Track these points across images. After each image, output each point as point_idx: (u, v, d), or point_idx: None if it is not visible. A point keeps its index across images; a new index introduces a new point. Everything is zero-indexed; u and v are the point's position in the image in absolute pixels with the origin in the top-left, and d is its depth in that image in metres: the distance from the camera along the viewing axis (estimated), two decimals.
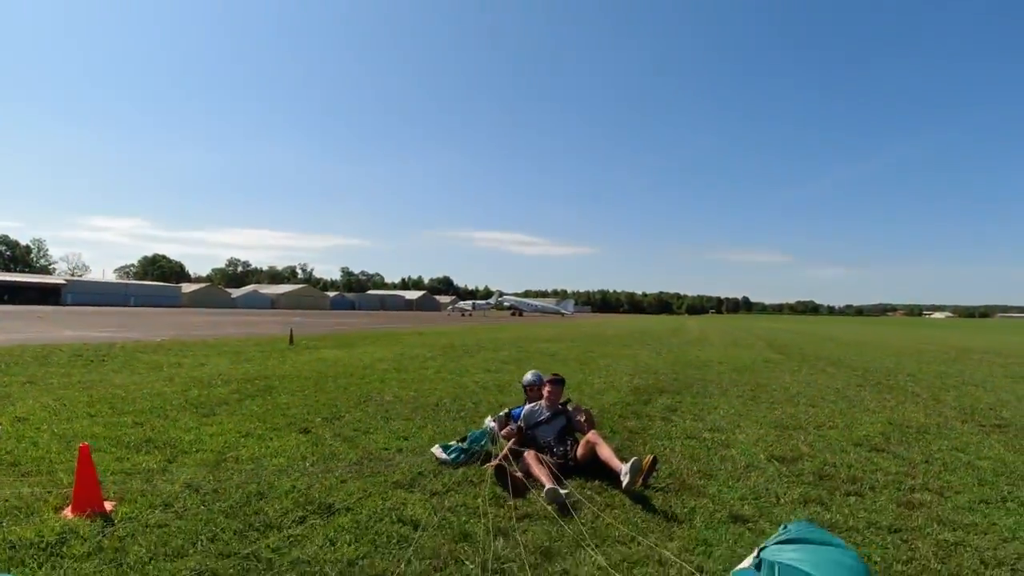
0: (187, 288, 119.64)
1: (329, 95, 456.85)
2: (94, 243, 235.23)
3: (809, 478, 5.87)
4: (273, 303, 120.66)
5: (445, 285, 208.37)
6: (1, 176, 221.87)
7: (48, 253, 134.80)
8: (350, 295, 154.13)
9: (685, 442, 7.28)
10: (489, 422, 6.83)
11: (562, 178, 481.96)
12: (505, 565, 3.96)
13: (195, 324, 34.67)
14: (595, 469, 5.70)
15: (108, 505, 4.78)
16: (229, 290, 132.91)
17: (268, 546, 4.16)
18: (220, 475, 5.59)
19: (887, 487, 5.66)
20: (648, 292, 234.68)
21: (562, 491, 4.97)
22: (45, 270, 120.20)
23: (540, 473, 5.35)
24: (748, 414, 9.35)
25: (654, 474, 5.63)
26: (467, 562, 4.00)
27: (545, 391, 6.40)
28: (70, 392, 9.21)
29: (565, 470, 5.74)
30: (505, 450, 5.98)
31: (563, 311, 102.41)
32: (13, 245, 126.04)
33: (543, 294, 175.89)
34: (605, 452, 5.57)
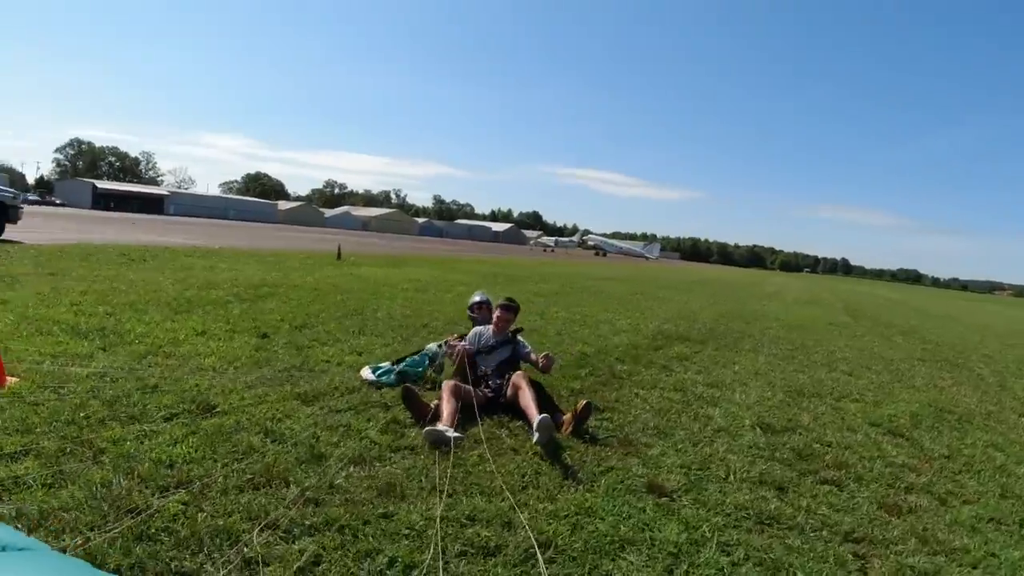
0: (283, 206, 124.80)
1: (443, 21, 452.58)
2: (202, 159, 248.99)
3: (786, 454, 4.86)
4: (364, 225, 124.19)
5: (533, 220, 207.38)
6: (119, 92, 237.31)
7: (156, 166, 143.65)
8: (439, 223, 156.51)
9: (666, 394, 6.38)
10: (432, 347, 6.15)
11: (664, 118, 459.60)
12: (324, 496, 3.36)
13: (270, 237, 35.98)
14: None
15: (11, 380, 4.78)
16: (323, 210, 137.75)
17: (110, 437, 3.89)
18: (135, 366, 5.36)
19: (878, 481, 4.55)
20: (741, 244, 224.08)
21: (450, 433, 4.26)
22: (153, 182, 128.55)
23: (444, 407, 4.65)
24: (766, 374, 8.22)
25: (587, 423, 4.85)
26: (291, 484, 3.44)
27: (495, 315, 5.63)
28: (74, 284, 9.31)
29: (494, 407, 5.04)
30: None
31: (647, 255, 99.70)
32: (123, 156, 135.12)
33: (631, 237, 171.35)
34: (525, 398, 4.77)
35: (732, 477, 4.22)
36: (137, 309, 7.73)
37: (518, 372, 5.02)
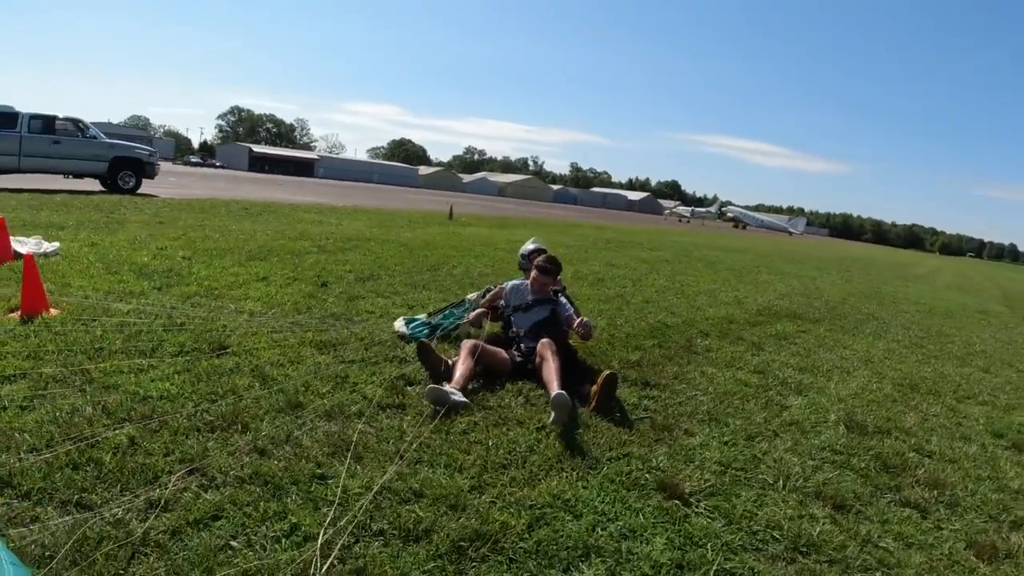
0: (423, 171, 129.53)
1: None
2: (352, 126, 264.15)
3: (866, 462, 3.83)
4: (499, 191, 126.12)
5: (671, 189, 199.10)
6: (279, 63, 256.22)
7: (310, 132, 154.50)
8: (573, 190, 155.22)
9: (740, 375, 5.44)
10: (472, 296, 5.62)
11: (816, 84, 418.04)
12: (273, 447, 3.03)
13: (399, 198, 37.22)
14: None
15: (53, 312, 4.97)
16: (462, 175, 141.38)
17: (107, 368, 3.88)
18: (176, 306, 5.44)
19: (978, 510, 3.42)
20: (898, 223, 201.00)
21: (454, 397, 3.75)
22: (307, 147, 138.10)
23: (459, 367, 4.13)
24: (880, 362, 6.89)
25: (615, 398, 4.15)
26: (250, 431, 3.14)
27: (531, 275, 4.98)
28: (173, 231, 9.82)
29: (522, 372, 4.45)
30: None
31: (791, 229, 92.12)
32: (279, 123, 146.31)
33: (776, 210, 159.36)
34: (548, 370, 4.11)
35: (781, 484, 3.34)
36: (214, 255, 7.94)
37: (544, 340, 4.34)
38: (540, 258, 5.01)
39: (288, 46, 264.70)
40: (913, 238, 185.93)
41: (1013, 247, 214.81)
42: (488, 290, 5.40)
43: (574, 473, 3.13)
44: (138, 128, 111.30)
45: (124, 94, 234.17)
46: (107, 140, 17.03)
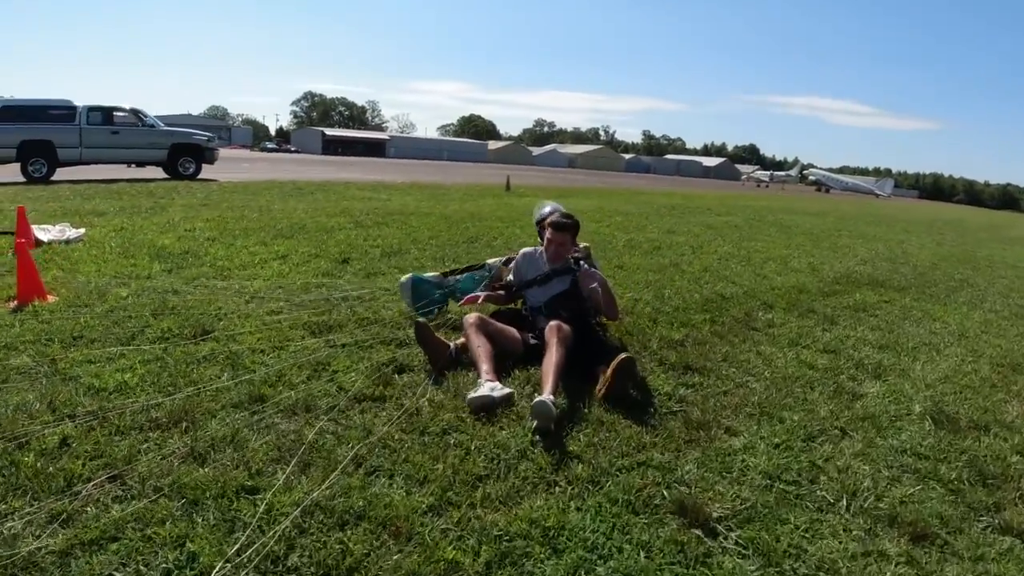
0: (493, 145, 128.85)
1: None
2: (422, 105, 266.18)
3: (957, 470, 2.99)
4: (570, 162, 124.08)
5: (749, 154, 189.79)
6: (349, 47, 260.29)
7: (381, 113, 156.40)
8: (646, 158, 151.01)
9: (806, 356, 4.61)
10: (494, 262, 4.96)
11: (905, 35, 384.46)
12: (211, 452, 2.61)
13: (462, 173, 36.82)
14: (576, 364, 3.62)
15: (50, 298, 4.78)
16: (532, 148, 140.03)
17: (77, 358, 3.58)
18: (180, 288, 5.18)
19: None
20: (991, 182, 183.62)
21: (497, 392, 3.17)
22: (378, 128, 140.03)
23: (480, 354, 3.48)
24: (977, 337, 5.81)
25: (630, 386, 3.47)
26: (197, 431, 2.68)
27: (547, 236, 4.16)
28: (211, 212, 9.67)
29: (537, 357, 3.81)
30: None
31: (878, 192, 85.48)
32: (351, 105, 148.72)
33: (862, 172, 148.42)
34: (546, 363, 3.36)
35: (844, 505, 2.58)
36: (241, 235, 7.69)
37: (553, 323, 3.61)
38: (555, 216, 4.27)
39: (357, 30, 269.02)
40: (1008, 198, 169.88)
41: None
42: (511, 259, 4.76)
43: (569, 489, 2.49)
44: (216, 118, 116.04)
45: (203, 86, 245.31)
46: (166, 128, 17.35)
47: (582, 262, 4.14)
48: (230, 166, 24.69)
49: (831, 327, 5.61)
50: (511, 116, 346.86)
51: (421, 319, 3.86)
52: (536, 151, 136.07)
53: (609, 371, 3.34)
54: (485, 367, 3.35)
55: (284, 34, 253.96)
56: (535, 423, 2.94)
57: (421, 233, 8.58)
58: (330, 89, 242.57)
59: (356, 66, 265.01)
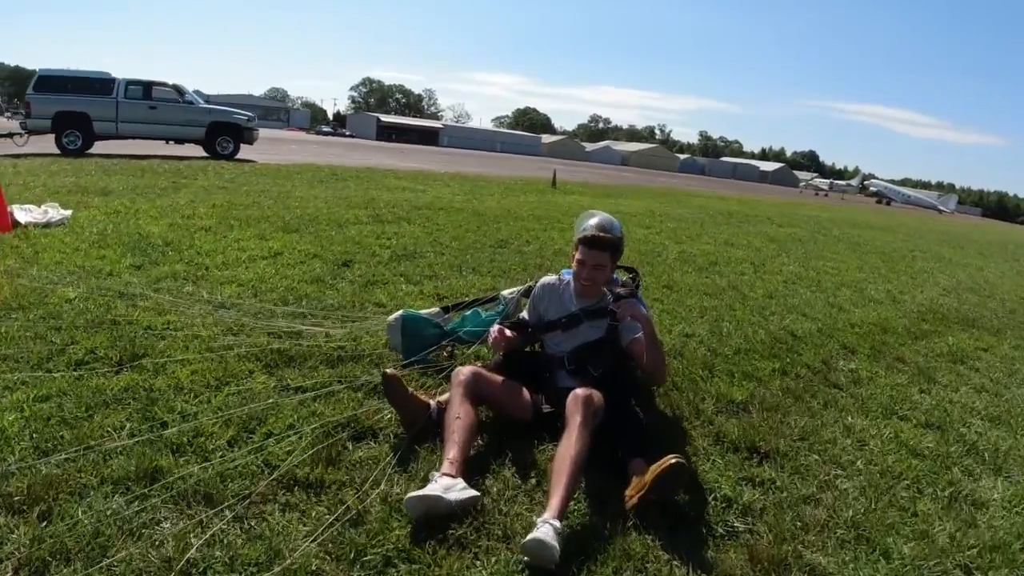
0: (547, 139, 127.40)
1: None
2: (478, 95, 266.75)
3: None
4: (623, 160, 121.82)
5: (809, 160, 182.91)
6: (409, 35, 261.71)
7: (437, 102, 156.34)
8: (701, 160, 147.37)
9: (906, 432, 3.53)
10: (510, 294, 3.96)
11: (973, 46, 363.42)
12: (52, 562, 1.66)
13: (510, 166, 35.84)
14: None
15: None
16: (585, 144, 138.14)
17: None
18: (141, 291, 4.42)
19: None
20: None
21: (453, 495, 2.16)
22: (434, 116, 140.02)
23: (452, 430, 2.45)
24: None
25: (674, 492, 2.44)
26: (44, 522, 1.80)
27: (575, 258, 2.97)
28: (222, 197, 8.96)
29: (545, 424, 2.82)
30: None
31: (941, 207, 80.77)
32: (408, 93, 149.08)
33: (925, 185, 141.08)
34: (559, 456, 2.33)
35: None
36: (241, 225, 6.89)
37: (578, 393, 2.53)
38: (590, 232, 2.95)
39: (418, 19, 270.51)
40: None
41: None
42: (535, 282, 3.78)
43: None
44: (276, 100, 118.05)
45: (266, 68, 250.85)
46: (205, 105, 16.95)
47: (625, 301, 2.93)
48: (277, 147, 24.37)
49: (928, 385, 4.47)
50: (566, 111, 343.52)
51: (391, 371, 2.84)
52: (590, 147, 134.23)
53: (649, 476, 2.32)
54: (452, 453, 2.34)
55: (346, 20, 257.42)
56: (526, 558, 1.96)
57: (444, 233, 7.64)
58: (388, 76, 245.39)
59: (415, 55, 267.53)
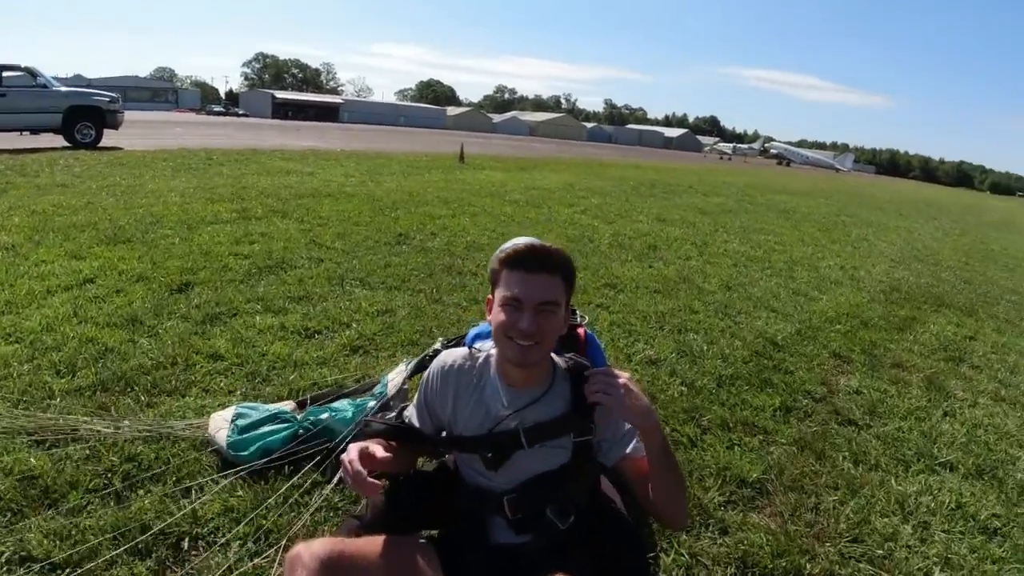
0: (452, 111, 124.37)
1: None
2: (380, 69, 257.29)
3: None
4: (531, 130, 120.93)
5: (710, 125, 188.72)
6: (303, 5, 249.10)
7: (336, 76, 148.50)
8: (607, 128, 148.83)
9: (955, 488, 2.62)
10: (393, 378, 2.58)
11: (865, 11, 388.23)
12: None
13: (413, 140, 33.83)
14: None
15: None
16: (492, 116, 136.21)
17: None
18: None
19: None
20: (946, 160, 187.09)
21: None
22: (334, 92, 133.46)
23: None
24: None
25: None
26: None
27: (495, 303, 1.46)
28: (53, 198, 7.08)
29: None
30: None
31: (838, 167, 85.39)
32: (304, 68, 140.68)
33: (820, 146, 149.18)
34: None
35: None
36: (48, 239, 5.09)
37: None
38: (512, 244, 1.52)
39: None
40: (962, 176, 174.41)
41: None
42: (435, 353, 2.34)
43: None
44: (163, 80, 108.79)
45: (154, 48, 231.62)
46: (61, 89, 14.21)
47: (590, 392, 1.46)
48: (159, 131, 21.51)
49: (946, 401, 3.61)
50: (471, 82, 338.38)
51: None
52: (497, 118, 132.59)
53: None
54: None
55: None
56: None
57: (327, 229, 6.11)
58: (284, 51, 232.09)
59: (312, 27, 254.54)
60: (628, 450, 1.55)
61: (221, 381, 2.85)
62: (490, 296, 1.51)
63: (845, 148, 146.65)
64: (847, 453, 2.79)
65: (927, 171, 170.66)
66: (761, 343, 4.11)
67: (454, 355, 1.62)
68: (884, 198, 24.75)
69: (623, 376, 1.44)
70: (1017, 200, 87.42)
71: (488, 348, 1.60)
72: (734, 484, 2.42)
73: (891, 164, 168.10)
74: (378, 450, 1.40)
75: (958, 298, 6.45)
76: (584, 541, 1.52)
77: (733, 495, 2.37)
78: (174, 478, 2.12)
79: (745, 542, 2.08)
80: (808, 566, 2.00)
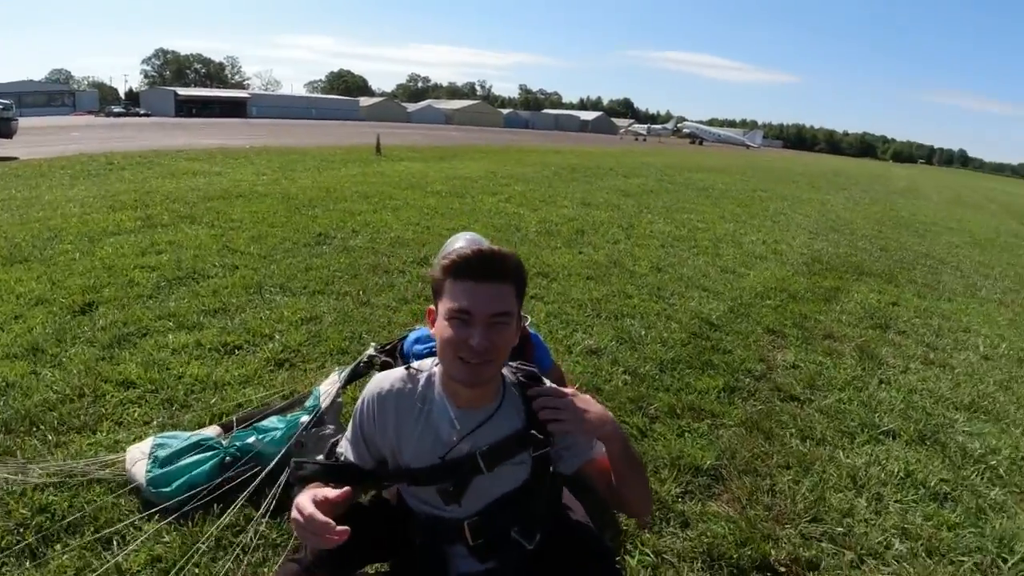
0: (365, 102, 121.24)
1: None
2: (288, 60, 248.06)
3: None
4: (448, 119, 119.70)
5: (625, 108, 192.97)
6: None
7: (242, 70, 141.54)
8: (524, 113, 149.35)
9: (901, 458, 2.69)
10: (330, 382, 2.39)
11: None
12: None
13: (327, 133, 32.69)
14: None
15: None
16: (406, 105, 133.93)
17: None
18: None
19: None
20: (850, 132, 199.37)
21: None
22: (240, 86, 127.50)
23: None
24: None
25: None
26: None
27: (439, 315, 1.28)
28: None
29: None
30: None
31: (749, 143, 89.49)
32: (207, 63, 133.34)
33: (731, 124, 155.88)
34: None
35: None
36: None
37: None
38: (455, 249, 1.31)
39: None
40: (865, 146, 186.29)
41: (963, 152, 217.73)
42: (371, 361, 2.19)
43: None
44: (59, 83, 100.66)
45: (48, 49, 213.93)
46: None
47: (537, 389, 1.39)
48: (56, 137, 19.79)
49: (878, 369, 3.74)
50: (383, 71, 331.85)
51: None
52: (411, 107, 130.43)
53: None
54: None
55: None
56: None
57: (241, 232, 5.72)
58: (185, 46, 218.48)
59: (213, 20, 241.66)
60: (588, 456, 1.45)
61: (135, 411, 2.55)
62: (432, 307, 1.35)
63: (754, 125, 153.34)
64: (794, 430, 2.81)
65: (832, 143, 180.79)
66: (697, 324, 4.13)
67: (390, 378, 1.43)
68: (795, 171, 25.94)
69: (567, 392, 1.33)
70: (919, 167, 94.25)
71: (428, 367, 1.44)
72: (689, 473, 2.37)
73: (798, 138, 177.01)
74: (329, 492, 1.22)
75: (876, 266, 6.78)
76: (550, 559, 1.41)
77: (689, 485, 2.32)
78: (92, 528, 1.87)
79: (708, 534, 2.04)
80: (773, 552, 1.97)
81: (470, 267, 1.23)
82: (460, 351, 1.23)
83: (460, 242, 2.03)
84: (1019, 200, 30.27)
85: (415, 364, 1.44)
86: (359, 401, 1.43)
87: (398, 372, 1.44)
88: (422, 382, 1.40)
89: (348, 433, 1.46)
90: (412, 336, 2.14)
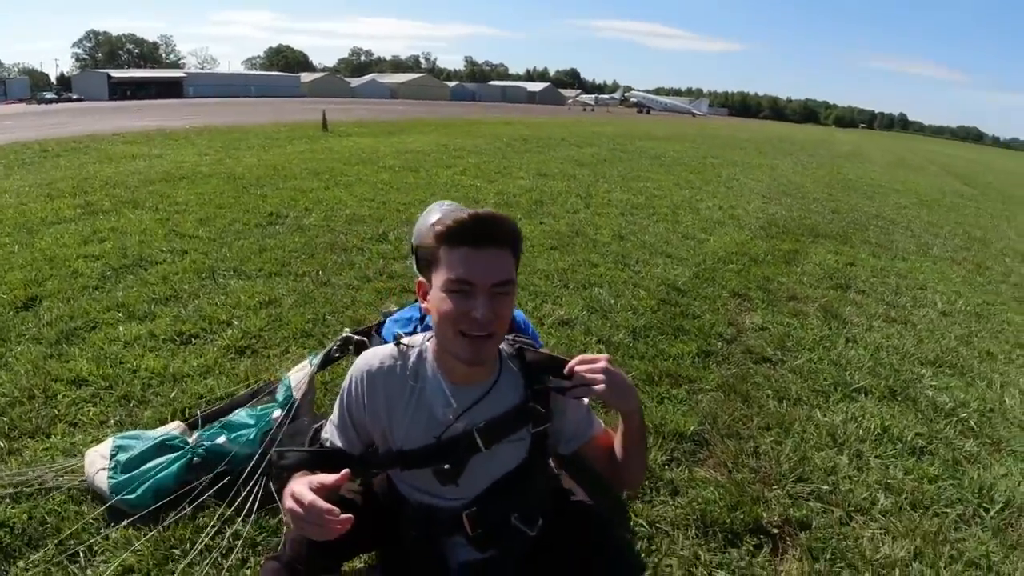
0: (306, 78, 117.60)
1: None
2: (224, 38, 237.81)
3: None
4: (393, 93, 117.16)
5: (571, 78, 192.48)
6: None
7: (176, 49, 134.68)
8: (470, 85, 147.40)
9: (874, 412, 2.76)
10: (300, 369, 2.24)
11: None
12: None
13: (269, 111, 31.57)
14: None
15: None
16: (349, 80, 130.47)
17: None
18: None
19: None
20: (793, 98, 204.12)
21: None
22: (175, 66, 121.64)
23: None
24: (994, 316, 4.43)
25: None
26: None
27: (435, 286, 1.18)
28: None
29: None
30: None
31: (695, 111, 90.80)
32: (140, 43, 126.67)
33: (676, 92, 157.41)
34: None
35: None
36: None
37: None
38: (449, 215, 1.18)
39: None
40: (808, 113, 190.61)
41: (903, 116, 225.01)
42: (346, 342, 2.09)
43: None
44: None
45: None
46: None
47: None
48: None
49: (843, 328, 3.83)
50: (324, 46, 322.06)
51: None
52: (355, 82, 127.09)
53: None
54: None
55: None
56: None
57: (188, 215, 5.43)
58: (117, 26, 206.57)
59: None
60: (592, 433, 1.39)
61: (90, 411, 2.38)
62: (422, 280, 1.25)
63: (700, 93, 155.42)
64: (770, 392, 2.83)
65: (776, 110, 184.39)
66: (664, 290, 4.14)
67: (379, 355, 1.34)
68: (742, 138, 26.33)
69: (601, 359, 1.26)
70: (860, 132, 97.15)
71: (420, 341, 1.35)
72: (674, 440, 2.36)
73: (743, 106, 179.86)
74: (325, 478, 1.12)
75: (831, 227, 6.95)
76: (553, 545, 1.36)
77: (675, 451, 2.30)
78: (55, 540, 1.72)
79: (699, 500, 2.03)
80: (764, 514, 1.98)
81: (466, 232, 1.13)
82: (461, 324, 1.14)
83: (437, 212, 1.91)
84: (958, 161, 31.61)
85: (405, 339, 1.35)
86: (346, 380, 1.33)
87: (388, 348, 1.34)
88: (413, 358, 1.31)
89: (334, 416, 1.37)
90: (392, 318, 2.04)
